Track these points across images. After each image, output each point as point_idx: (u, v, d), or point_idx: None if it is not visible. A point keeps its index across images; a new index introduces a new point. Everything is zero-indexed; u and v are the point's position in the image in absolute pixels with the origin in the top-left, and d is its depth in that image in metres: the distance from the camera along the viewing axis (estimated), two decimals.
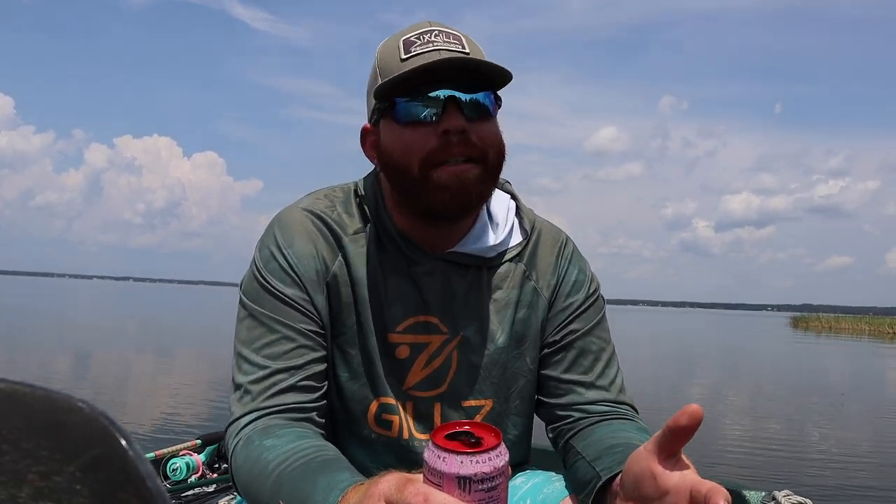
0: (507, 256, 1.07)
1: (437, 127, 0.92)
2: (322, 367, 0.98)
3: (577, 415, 1.06)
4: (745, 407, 8.49)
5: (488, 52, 1.01)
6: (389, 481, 0.62)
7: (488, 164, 0.96)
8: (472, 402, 1.06)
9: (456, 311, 1.02)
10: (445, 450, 0.58)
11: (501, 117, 1.01)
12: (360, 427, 1.03)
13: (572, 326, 1.07)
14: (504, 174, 1.04)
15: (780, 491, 1.78)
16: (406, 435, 1.03)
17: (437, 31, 0.95)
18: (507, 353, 1.05)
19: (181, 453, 2.16)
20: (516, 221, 1.10)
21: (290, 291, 0.97)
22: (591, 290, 1.11)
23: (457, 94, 0.92)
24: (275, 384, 0.93)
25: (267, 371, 0.94)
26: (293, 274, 0.98)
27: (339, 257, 1.01)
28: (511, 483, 1.02)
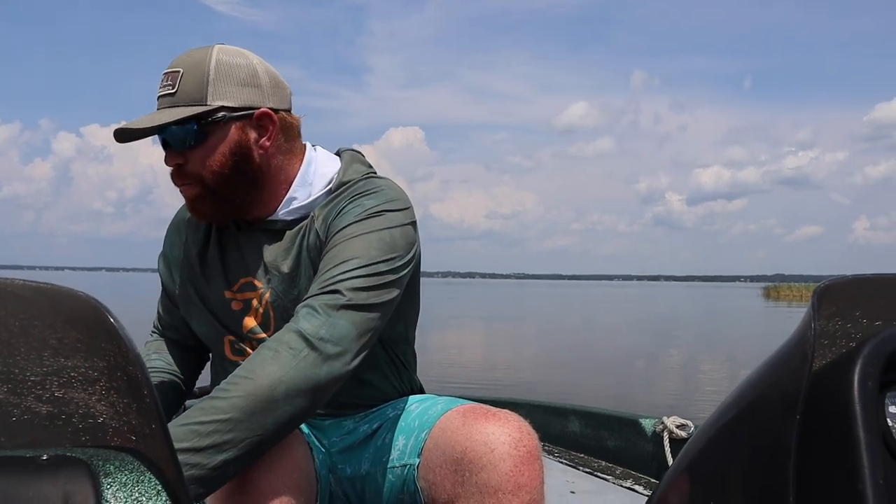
0: (307, 213, 1.22)
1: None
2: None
3: None
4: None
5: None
6: None
7: (205, 183, 1.17)
8: None
9: (266, 269, 1.22)
10: None
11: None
12: (222, 358, 1.28)
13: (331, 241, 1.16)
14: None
15: (668, 417, 2.04)
16: None
17: (164, 75, 1.15)
18: (306, 292, 1.14)
19: None
20: (330, 183, 1.24)
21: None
22: (364, 210, 1.16)
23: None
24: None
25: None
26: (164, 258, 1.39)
27: (196, 237, 1.29)
28: (405, 408, 1.24)
